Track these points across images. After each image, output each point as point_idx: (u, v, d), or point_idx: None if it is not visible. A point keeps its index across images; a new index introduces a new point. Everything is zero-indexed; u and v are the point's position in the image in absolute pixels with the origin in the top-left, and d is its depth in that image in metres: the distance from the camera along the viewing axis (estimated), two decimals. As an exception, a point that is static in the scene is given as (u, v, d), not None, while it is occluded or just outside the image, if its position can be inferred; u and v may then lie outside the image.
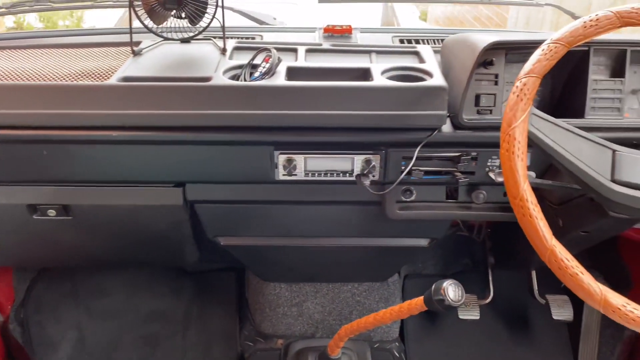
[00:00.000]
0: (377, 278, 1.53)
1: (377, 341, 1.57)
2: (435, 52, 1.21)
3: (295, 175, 1.11)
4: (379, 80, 1.05)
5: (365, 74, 1.09)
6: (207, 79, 1.02)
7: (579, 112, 1.07)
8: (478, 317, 1.52)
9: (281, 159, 1.09)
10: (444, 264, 1.79)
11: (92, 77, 1.06)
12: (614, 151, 0.87)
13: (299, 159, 1.10)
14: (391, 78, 1.08)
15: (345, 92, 1.02)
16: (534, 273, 1.55)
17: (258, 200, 1.19)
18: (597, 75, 1.08)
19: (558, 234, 1.19)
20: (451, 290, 0.97)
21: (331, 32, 1.31)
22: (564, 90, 1.12)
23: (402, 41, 1.34)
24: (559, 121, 0.86)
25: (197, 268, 1.73)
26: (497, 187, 1.20)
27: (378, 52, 1.22)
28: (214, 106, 1.00)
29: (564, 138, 0.85)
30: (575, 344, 1.62)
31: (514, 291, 1.63)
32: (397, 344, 1.58)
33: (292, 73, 1.08)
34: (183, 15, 1.14)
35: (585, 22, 0.83)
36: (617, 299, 0.75)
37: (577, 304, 1.68)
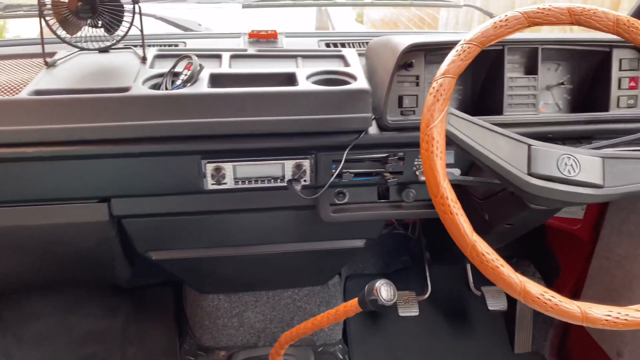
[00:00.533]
0: (317, 282, 1.53)
1: (321, 345, 1.57)
2: (361, 55, 1.23)
3: (225, 184, 1.09)
4: (304, 84, 1.05)
5: (290, 78, 1.09)
6: (126, 89, 0.99)
7: (497, 109, 1.11)
8: (417, 313, 1.55)
9: (209, 168, 1.07)
10: (384, 263, 1.81)
11: (2, 92, 1.01)
12: (529, 146, 0.90)
13: (228, 167, 1.08)
14: (316, 82, 1.08)
15: (270, 98, 1.02)
16: (469, 266, 1.60)
17: (188, 212, 1.16)
18: (512, 73, 1.12)
19: (485, 227, 1.24)
20: (384, 289, 0.98)
21: (256, 37, 1.30)
22: (483, 89, 1.16)
23: (328, 45, 1.35)
24: (475, 119, 0.88)
25: (133, 284, 1.68)
26: (425, 185, 1.23)
27: (304, 57, 1.22)
28: (134, 117, 0.97)
29: (481, 135, 0.88)
30: (511, 332, 1.68)
31: (452, 285, 1.67)
32: (340, 346, 1.58)
33: (216, 80, 1.06)
34: (99, 23, 1.10)
35: (495, 22, 0.86)
36: (535, 289, 0.78)
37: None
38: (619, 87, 1.13)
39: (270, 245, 1.31)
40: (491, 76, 1.13)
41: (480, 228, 1.28)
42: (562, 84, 1.17)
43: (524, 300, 0.79)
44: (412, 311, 1.54)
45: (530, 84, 1.12)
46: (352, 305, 1.04)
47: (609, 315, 0.77)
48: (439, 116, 0.84)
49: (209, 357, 1.51)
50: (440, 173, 0.83)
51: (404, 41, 1.04)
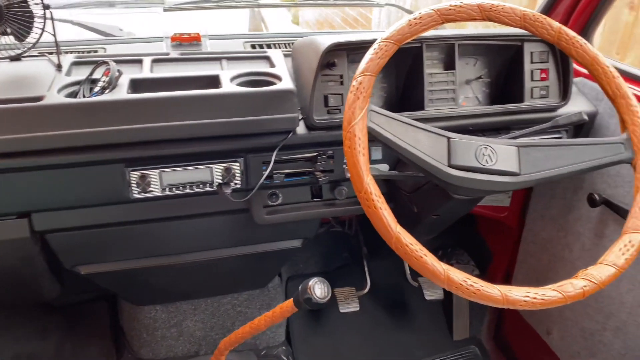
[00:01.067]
0: (256, 285, 1.52)
1: (264, 348, 1.56)
2: (287, 55, 1.23)
3: (152, 192, 1.06)
4: (228, 87, 1.04)
5: (214, 81, 1.07)
6: (39, 99, 0.94)
7: (419, 105, 1.15)
8: (358, 308, 1.57)
9: (133, 176, 1.04)
10: (325, 261, 1.83)
11: None
12: (448, 139, 0.93)
13: (154, 175, 1.05)
14: (241, 84, 1.08)
15: (193, 101, 1.00)
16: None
17: (115, 223, 1.13)
18: (432, 69, 1.16)
19: (415, 219, 1.27)
20: (317, 288, 0.99)
21: (179, 40, 1.28)
22: (405, 86, 1.19)
23: (254, 47, 1.34)
24: (396, 115, 0.90)
25: (65, 302, 1.60)
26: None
27: (228, 59, 1.21)
28: (49, 127, 0.93)
29: (402, 130, 0.90)
30: (450, 320, 1.73)
31: (390, 278, 1.71)
32: (284, 347, 1.58)
33: (136, 85, 1.03)
34: (8, 30, 1.05)
35: (410, 20, 0.88)
36: (458, 276, 0.81)
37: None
38: (532, 79, 1.19)
39: (205, 252, 1.29)
40: (412, 73, 1.17)
41: (410, 220, 1.31)
42: (480, 77, 1.22)
43: (448, 287, 0.82)
44: (353, 307, 1.56)
45: (449, 79, 1.16)
46: (288, 306, 1.04)
47: (527, 297, 0.81)
48: (360, 113, 0.85)
49: (149, 370, 1.47)
50: (363, 169, 0.84)
51: (325, 41, 1.06)
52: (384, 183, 1.28)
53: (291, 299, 1.03)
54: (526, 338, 1.67)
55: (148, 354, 1.50)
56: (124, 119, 0.96)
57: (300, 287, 1.01)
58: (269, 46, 1.34)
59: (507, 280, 1.76)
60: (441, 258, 1.96)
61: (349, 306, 1.56)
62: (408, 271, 1.63)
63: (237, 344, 1.19)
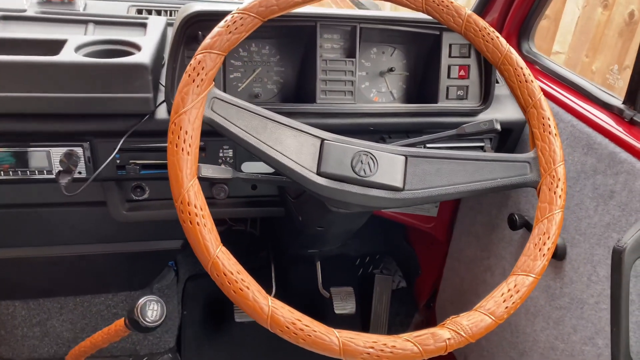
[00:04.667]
0: (132, 287, 1.35)
1: (145, 355, 1.40)
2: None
3: None
4: (67, 55, 0.85)
5: (56, 47, 0.89)
6: None
7: (311, 97, 0.96)
8: (255, 319, 1.40)
9: None
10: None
11: None
12: (322, 140, 0.76)
13: None
14: (90, 54, 0.89)
15: (18, 69, 0.81)
16: (318, 264, 1.47)
17: None
18: (329, 54, 0.98)
19: (299, 229, 1.10)
20: (148, 309, 0.82)
21: (47, -3, 1.08)
22: (300, 73, 1.01)
23: (140, 12, 1.15)
24: (251, 106, 0.73)
25: None
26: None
27: (97, 23, 1.02)
28: None
29: (259, 126, 0.73)
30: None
31: (300, 286, 1.54)
32: (169, 355, 1.41)
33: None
34: None
35: None
36: (287, 316, 0.65)
37: (366, 292, 1.64)
38: (449, 76, 1.02)
39: (63, 247, 1.11)
40: (307, 58, 0.98)
41: (297, 230, 1.14)
42: (392, 70, 1.04)
43: (272, 329, 0.65)
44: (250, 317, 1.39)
45: (348, 69, 0.98)
46: (120, 325, 0.87)
47: (372, 348, 0.65)
48: (194, 100, 0.68)
49: (7, 371, 1.31)
50: (184, 172, 0.67)
51: (190, 9, 0.87)
52: (275, 185, 1.11)
53: (122, 318, 0.86)
54: (446, 362, 1.51)
55: (7, 353, 1.33)
56: None
57: (128, 306, 0.84)
58: (158, 12, 1.15)
59: (433, 296, 1.61)
60: (368, 265, 1.79)
61: (246, 316, 1.38)
62: (320, 280, 1.46)
63: (82, 357, 1.02)
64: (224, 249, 0.66)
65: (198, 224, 0.65)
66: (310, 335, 0.64)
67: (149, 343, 1.40)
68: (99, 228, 1.09)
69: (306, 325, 0.65)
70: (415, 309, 1.68)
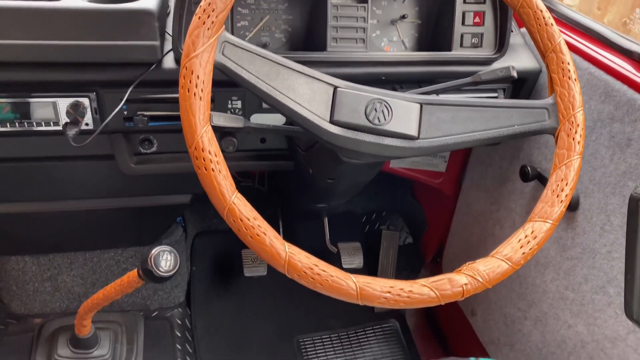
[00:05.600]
0: (141, 242, 1.35)
1: (156, 309, 1.41)
2: None
3: None
4: (69, 0, 0.82)
5: None
6: None
7: (321, 45, 0.94)
8: (265, 273, 1.41)
9: None
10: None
11: None
12: (335, 88, 0.74)
13: None
14: None
15: (18, 15, 0.79)
16: (326, 221, 1.47)
17: None
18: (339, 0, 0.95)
19: (310, 181, 1.09)
20: (162, 259, 0.82)
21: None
22: (310, 20, 0.98)
23: None
24: (264, 51, 0.71)
25: None
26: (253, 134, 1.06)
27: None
28: None
29: (272, 72, 0.71)
30: (372, 291, 1.59)
31: (307, 241, 1.54)
32: (179, 309, 1.43)
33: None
34: None
35: None
36: (304, 261, 0.65)
37: (373, 248, 1.65)
38: (463, 23, 0.98)
39: (71, 202, 1.11)
40: (317, 4, 0.95)
41: (306, 183, 1.13)
42: (404, 17, 1.00)
43: (289, 275, 0.65)
44: (259, 271, 1.40)
45: (359, 15, 0.95)
46: (134, 276, 0.87)
47: (389, 292, 0.65)
48: (205, 44, 0.66)
49: (21, 325, 1.31)
50: (198, 118, 0.65)
51: None
52: (284, 138, 1.09)
53: (135, 269, 0.87)
54: (452, 316, 1.53)
55: (20, 308, 1.34)
56: None
57: (142, 256, 0.84)
58: None
59: (439, 252, 1.61)
60: (375, 222, 1.80)
61: (255, 270, 1.40)
62: (328, 235, 1.46)
63: (96, 310, 1.03)
64: (239, 195, 0.65)
65: (213, 170, 0.64)
66: (327, 280, 0.65)
67: (159, 298, 1.41)
68: (106, 182, 1.08)
69: (323, 270, 0.65)
70: (422, 264, 1.69)
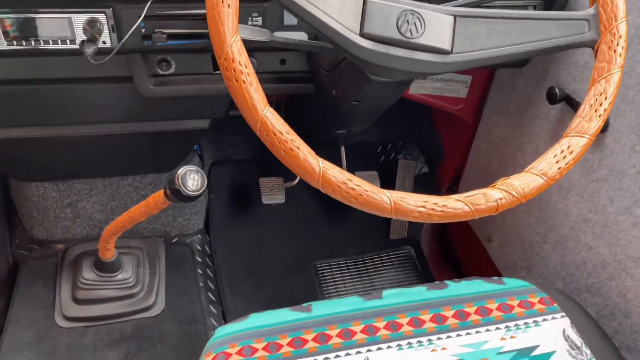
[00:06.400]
0: (160, 169, 1.34)
1: (176, 235, 1.43)
2: None
3: None
4: None
5: None
6: None
7: None
8: (283, 201, 1.42)
9: None
10: (260, 148, 1.64)
11: None
12: None
13: None
14: None
15: None
16: (343, 149, 1.45)
17: None
18: None
19: (332, 104, 1.07)
20: (189, 178, 0.81)
21: None
22: None
23: None
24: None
25: None
26: (273, 53, 1.03)
27: None
28: None
29: None
30: (387, 218, 1.60)
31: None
32: (199, 236, 1.45)
33: None
34: None
35: None
36: (338, 175, 0.63)
37: (388, 178, 1.65)
38: None
39: (87, 126, 1.09)
40: None
41: (329, 105, 1.11)
42: None
43: (323, 189, 0.64)
44: (277, 199, 1.41)
45: None
46: (160, 197, 0.87)
47: (423, 207, 0.64)
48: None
49: (44, 251, 1.34)
50: (226, 26, 0.62)
51: None
52: (305, 59, 1.06)
53: (161, 190, 0.86)
54: (468, 243, 1.55)
55: (41, 234, 1.36)
56: None
57: (168, 176, 0.83)
58: None
59: (456, 181, 1.61)
60: (390, 152, 1.79)
61: (274, 198, 1.40)
62: (344, 164, 1.45)
63: (120, 232, 1.04)
64: (271, 109, 0.63)
65: (244, 81, 0.62)
66: (362, 195, 0.64)
67: (179, 225, 1.43)
68: (124, 106, 1.06)
69: (357, 185, 0.64)
70: (438, 193, 1.69)
